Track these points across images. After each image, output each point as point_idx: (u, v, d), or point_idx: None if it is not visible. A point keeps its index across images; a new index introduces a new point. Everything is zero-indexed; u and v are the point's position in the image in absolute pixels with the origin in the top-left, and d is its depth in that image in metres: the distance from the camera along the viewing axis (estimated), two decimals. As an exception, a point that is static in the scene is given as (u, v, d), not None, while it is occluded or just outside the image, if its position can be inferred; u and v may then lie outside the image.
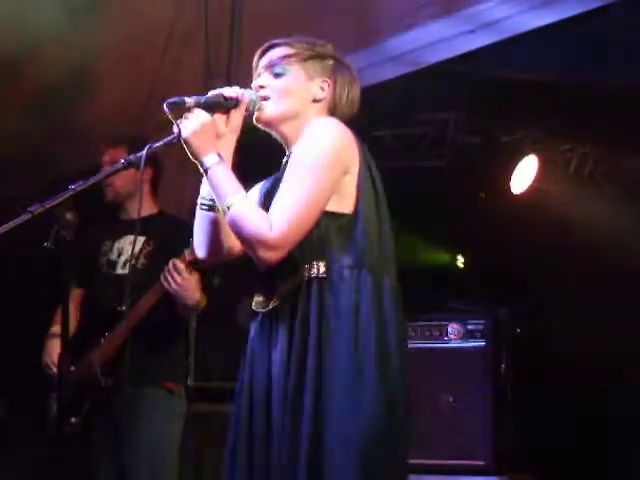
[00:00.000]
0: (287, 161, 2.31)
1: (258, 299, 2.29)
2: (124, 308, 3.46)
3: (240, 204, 2.16)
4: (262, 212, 2.17)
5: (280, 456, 2.13)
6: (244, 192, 2.20)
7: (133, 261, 3.61)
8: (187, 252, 3.33)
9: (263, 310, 2.27)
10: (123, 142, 3.69)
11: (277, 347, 2.20)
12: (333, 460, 2.07)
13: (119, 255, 3.68)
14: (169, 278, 3.35)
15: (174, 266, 3.34)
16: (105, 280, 3.67)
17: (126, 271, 3.61)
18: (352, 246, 2.21)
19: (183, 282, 3.35)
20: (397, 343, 2.18)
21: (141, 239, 3.66)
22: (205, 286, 3.56)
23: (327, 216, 2.20)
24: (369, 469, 2.08)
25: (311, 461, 2.08)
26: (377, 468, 2.10)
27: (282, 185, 2.20)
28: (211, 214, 2.32)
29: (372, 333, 2.15)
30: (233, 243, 2.34)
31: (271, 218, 2.14)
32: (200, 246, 2.39)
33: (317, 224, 2.19)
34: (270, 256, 2.14)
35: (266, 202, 2.28)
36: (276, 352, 2.20)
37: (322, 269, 2.18)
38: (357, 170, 2.24)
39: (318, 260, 2.19)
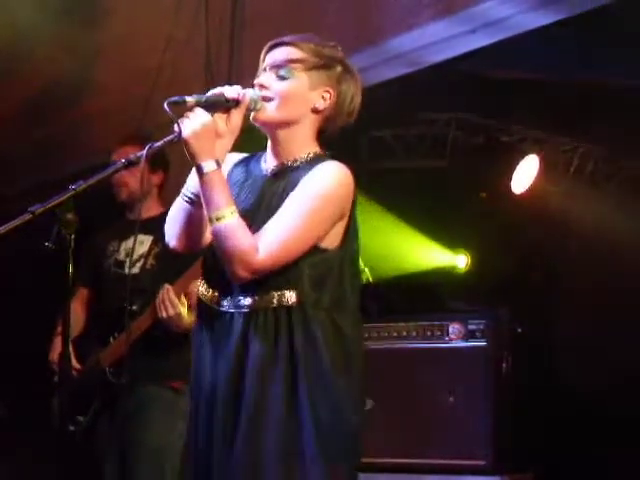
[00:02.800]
0: (277, 172, 2.32)
1: (209, 293, 2.31)
2: (135, 308, 3.46)
3: (230, 219, 2.17)
4: (249, 233, 2.19)
5: (239, 457, 2.18)
6: (234, 206, 2.20)
7: (142, 261, 3.62)
8: (181, 279, 3.38)
9: (213, 306, 2.29)
10: (134, 140, 3.69)
11: (226, 353, 2.24)
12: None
13: (127, 255, 3.68)
14: (162, 308, 3.39)
15: (169, 298, 3.37)
16: (114, 280, 3.67)
17: (135, 271, 3.61)
18: (324, 283, 2.24)
19: (175, 315, 3.39)
20: (361, 369, 2.28)
21: (149, 238, 3.66)
22: None
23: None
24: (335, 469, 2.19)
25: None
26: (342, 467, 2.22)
27: (279, 213, 2.21)
28: (191, 207, 2.31)
29: (339, 356, 2.22)
30: (206, 239, 2.34)
31: (259, 241, 2.17)
32: (173, 237, 2.38)
33: None
34: (246, 277, 2.18)
35: (248, 215, 2.27)
36: (223, 357, 2.25)
37: (292, 299, 2.22)
38: (349, 214, 2.29)
39: (289, 289, 2.22)
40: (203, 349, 2.31)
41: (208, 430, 2.25)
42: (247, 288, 2.23)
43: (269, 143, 2.37)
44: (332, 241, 2.26)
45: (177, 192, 2.40)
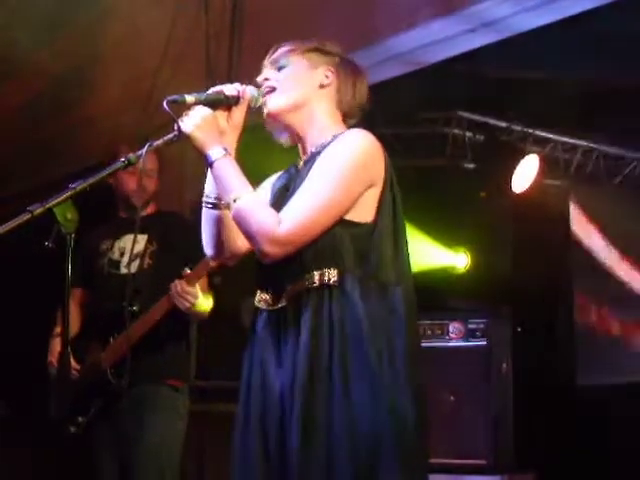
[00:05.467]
0: (306, 161, 2.30)
1: (264, 297, 2.26)
2: (135, 308, 3.45)
3: (247, 197, 2.13)
4: (269, 207, 2.16)
5: (303, 457, 2.10)
6: (250, 186, 2.17)
7: (138, 260, 3.61)
8: (187, 270, 3.37)
9: (269, 309, 2.24)
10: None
11: (287, 348, 2.17)
12: (364, 458, 2.09)
13: (121, 254, 3.68)
14: (182, 301, 3.39)
15: (182, 290, 3.37)
16: (109, 280, 3.66)
17: (130, 270, 3.60)
18: (365, 257, 2.18)
19: (195, 301, 3.39)
20: (409, 350, 2.16)
21: (144, 237, 3.65)
22: (210, 286, 3.59)
23: (343, 224, 2.17)
24: (402, 466, 2.14)
25: (345, 461, 2.08)
26: (411, 465, 2.18)
27: (302, 186, 2.18)
28: (216, 212, 2.30)
29: (381, 340, 2.13)
30: (242, 242, 2.30)
31: (282, 215, 2.12)
32: (208, 245, 2.36)
33: (332, 231, 2.16)
34: (274, 251, 2.11)
35: (279, 200, 2.26)
36: (286, 353, 2.17)
37: (334, 277, 2.15)
38: (382, 184, 2.24)
39: (330, 267, 2.16)
40: (265, 353, 2.22)
41: (261, 434, 2.18)
42: (291, 275, 2.18)
43: (299, 146, 2.35)
44: (365, 215, 2.20)
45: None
